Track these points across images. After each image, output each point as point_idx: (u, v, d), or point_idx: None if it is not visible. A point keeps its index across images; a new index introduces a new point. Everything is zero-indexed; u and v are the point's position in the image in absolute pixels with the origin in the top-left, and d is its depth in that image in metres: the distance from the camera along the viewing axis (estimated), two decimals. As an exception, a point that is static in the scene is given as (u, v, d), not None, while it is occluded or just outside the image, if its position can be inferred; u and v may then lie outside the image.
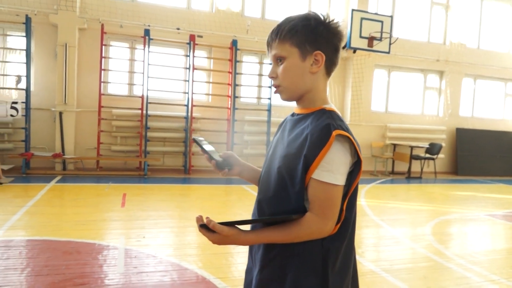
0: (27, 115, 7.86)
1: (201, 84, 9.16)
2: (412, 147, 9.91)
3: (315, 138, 1.10)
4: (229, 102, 9.08)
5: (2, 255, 3.53)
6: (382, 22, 9.33)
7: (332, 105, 1.23)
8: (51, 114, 8.17)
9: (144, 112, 8.43)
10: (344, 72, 10.17)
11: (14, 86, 7.93)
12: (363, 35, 9.26)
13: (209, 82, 9.18)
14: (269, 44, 1.24)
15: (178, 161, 9.01)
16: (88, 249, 3.80)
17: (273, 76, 1.23)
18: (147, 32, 8.32)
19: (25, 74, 7.82)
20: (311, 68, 1.18)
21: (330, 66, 1.21)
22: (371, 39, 9.32)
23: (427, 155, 10.42)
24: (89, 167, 8.35)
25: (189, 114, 8.68)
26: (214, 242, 1.11)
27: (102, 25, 8.13)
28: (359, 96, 10.01)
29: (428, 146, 10.32)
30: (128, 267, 3.42)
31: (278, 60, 1.21)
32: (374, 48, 9.42)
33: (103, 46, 8.18)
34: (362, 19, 9.21)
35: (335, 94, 10.17)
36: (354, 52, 9.67)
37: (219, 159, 1.32)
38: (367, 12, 9.52)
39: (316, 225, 1.10)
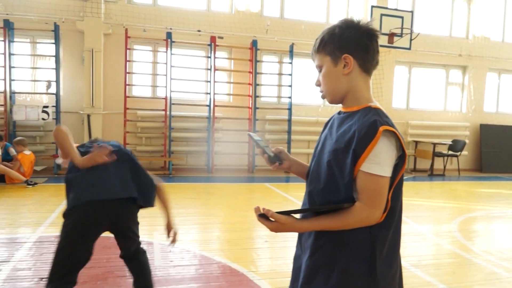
0: (57, 118, 8.17)
1: (222, 84, 9.32)
2: (434, 144, 9.85)
3: (363, 133, 1.19)
4: (250, 102, 9.22)
5: (48, 249, 3.74)
6: (402, 17, 9.31)
7: (377, 103, 1.33)
8: (79, 116, 8.47)
9: (168, 113, 8.64)
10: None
11: (45, 91, 8.25)
12: (383, 31, 9.25)
13: (230, 83, 9.34)
14: (313, 58, 1.40)
15: (201, 160, 9.20)
16: (124, 244, 3.98)
17: (317, 84, 1.38)
18: (169, 35, 8.53)
19: (54, 79, 8.13)
20: (343, 70, 1.30)
21: (364, 64, 1.30)
22: (391, 36, 9.30)
23: (450, 152, 10.33)
24: (116, 167, 8.59)
25: (211, 114, 8.85)
26: (272, 230, 1.22)
27: (126, 29, 8.38)
28: (380, 93, 9.99)
29: (451, 143, 10.24)
30: (165, 260, 3.58)
31: (319, 69, 1.37)
32: (395, 44, 9.39)
33: (127, 50, 8.43)
34: (382, 15, 9.21)
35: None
36: (374, 49, 9.65)
37: (271, 154, 1.45)
38: (386, 8, 9.51)
39: (364, 213, 1.21)
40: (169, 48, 8.57)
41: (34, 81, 8.36)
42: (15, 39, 8.04)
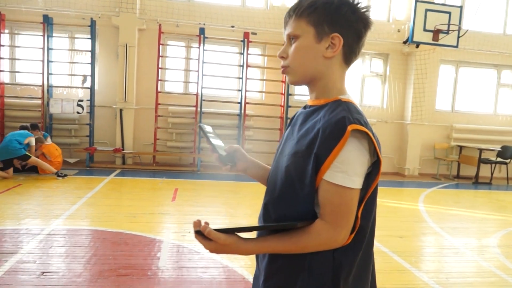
0: (91, 112, 8.33)
1: (254, 81, 9.13)
2: (481, 150, 9.13)
3: (328, 133, 0.95)
4: (283, 100, 8.97)
5: (58, 243, 3.73)
6: (449, 13, 8.68)
7: (350, 96, 1.08)
8: (112, 111, 8.59)
9: (199, 109, 8.58)
10: (405, 68, 9.61)
11: (80, 85, 8.44)
12: (427, 28, 8.69)
13: (262, 80, 9.12)
14: (286, 22, 1.11)
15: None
16: (135, 241, 3.90)
17: (283, 56, 1.09)
18: (202, 30, 8.45)
19: (89, 74, 8.28)
20: (326, 51, 1.04)
21: (349, 54, 1.06)
22: (436, 32, 8.71)
23: (499, 159, 9.53)
24: (146, 161, 8.67)
25: (242, 111, 8.69)
26: (210, 251, 1.00)
27: (160, 25, 8.39)
28: (422, 94, 9.40)
29: (500, 149, 9.44)
30: (170, 261, 3.44)
31: (292, 39, 1.08)
32: (440, 41, 8.79)
33: (161, 46, 8.44)
34: (426, 10, 8.64)
35: (395, 92, 9.65)
36: (417, 46, 9.09)
37: (222, 153, 1.21)
38: (433, 3, 8.91)
39: (326, 234, 0.96)
40: (201, 44, 8.49)
41: (71, 75, 8.57)
42: (53, 34, 8.27)
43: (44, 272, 3.06)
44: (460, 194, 7.92)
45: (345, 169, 0.95)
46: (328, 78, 1.07)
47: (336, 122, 0.96)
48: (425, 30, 8.67)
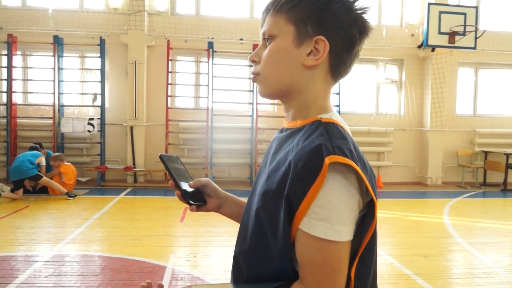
0: (102, 130, 8.26)
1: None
2: (508, 155, 8.62)
3: (300, 168, 0.71)
4: (296, 111, 8.71)
5: (54, 270, 3.54)
6: (465, 14, 8.32)
7: (334, 115, 0.83)
8: (123, 128, 8.51)
9: (210, 124, 8.41)
10: (422, 73, 9.24)
11: (91, 104, 8.40)
12: (442, 30, 8.34)
13: (274, 91, 8.90)
14: (263, 19, 0.87)
15: (244, 173, 8.83)
16: (136, 267, 3.68)
17: (254, 59, 0.86)
18: (210, 44, 8.33)
19: (100, 92, 8.24)
20: (307, 59, 0.80)
21: (337, 64, 0.82)
22: (452, 35, 8.35)
23: (527, 164, 8.99)
24: (157, 179, 8.52)
25: (254, 125, 8.48)
26: None
27: (168, 41, 8.31)
28: (441, 99, 9.00)
29: (528, 153, 8.91)
30: (171, 289, 3.20)
31: (267, 39, 0.84)
32: (457, 44, 8.42)
33: (169, 61, 8.35)
34: (440, 12, 8.30)
35: (412, 98, 9.27)
36: (433, 50, 8.74)
37: (187, 189, 0.97)
38: (446, 4, 8.57)
39: None
40: (210, 58, 8.36)
41: (81, 94, 8.55)
42: (64, 54, 8.29)
43: (35, 306, 2.87)
44: (488, 203, 7.45)
45: (327, 216, 0.70)
46: (308, 93, 0.83)
47: (310, 153, 0.71)
48: (440, 33, 8.32)
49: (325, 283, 0.71)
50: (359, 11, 0.81)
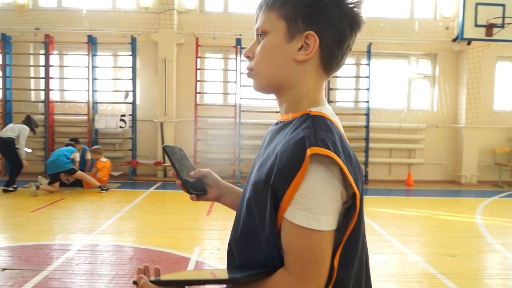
0: (133, 126, 8.51)
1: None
2: (549, 153, 8.20)
3: (285, 159, 0.74)
4: (324, 107, 8.63)
5: (85, 259, 3.71)
6: (504, 5, 7.94)
7: (324, 108, 0.84)
8: (153, 125, 8.72)
9: (237, 120, 8.48)
10: (456, 67, 8.92)
11: (123, 101, 8.66)
12: (479, 23, 8.00)
13: (302, 88, 8.87)
14: (256, 16, 0.90)
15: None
16: (162, 258, 3.79)
17: (248, 55, 0.89)
18: (238, 41, 8.39)
19: (131, 89, 8.49)
20: (297, 53, 0.82)
21: (328, 58, 0.83)
22: (489, 27, 8.00)
23: None
24: (187, 175, 8.67)
25: (282, 121, 8.47)
26: None
27: (197, 38, 8.43)
28: (477, 94, 8.65)
29: None
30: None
31: (260, 35, 0.87)
32: (494, 37, 8.06)
33: (198, 59, 8.47)
34: (477, 4, 7.97)
35: (445, 94, 8.97)
36: (469, 43, 8.41)
37: (188, 179, 1.00)
38: (484, -4, 8.23)
39: None
40: (238, 55, 8.42)
41: (114, 91, 8.83)
42: (97, 53, 8.59)
43: (65, 291, 3.01)
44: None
45: (309, 206, 0.72)
46: (299, 87, 0.84)
47: (294, 145, 0.74)
48: (476, 25, 7.99)
49: (307, 270, 0.72)
50: (350, 5, 0.81)
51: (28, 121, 6.94)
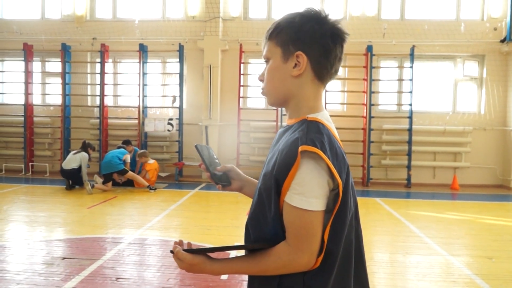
0: (180, 130, 8.96)
1: (335, 93, 8.98)
2: None
3: (284, 155, 0.96)
4: (365, 111, 8.65)
5: (135, 251, 4.07)
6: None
7: (320, 114, 1.04)
8: (199, 128, 9.14)
9: (279, 123, 8.69)
10: (505, 69, 8.59)
11: (171, 105, 9.15)
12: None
13: (343, 91, 8.93)
14: (263, 46, 1.14)
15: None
16: (204, 252, 4.06)
17: (261, 78, 1.12)
18: (280, 46, 8.59)
19: (178, 94, 8.95)
20: (293, 70, 1.04)
21: (319, 70, 1.04)
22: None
23: None
24: (229, 176, 8.99)
25: (323, 124, 8.58)
26: (182, 270, 1.05)
27: (241, 44, 8.75)
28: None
29: None
30: (233, 275, 3.51)
31: (266, 61, 1.11)
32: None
33: (242, 64, 8.79)
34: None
35: (493, 96, 8.66)
36: (518, 44, 8.11)
37: (216, 172, 1.24)
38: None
39: (287, 256, 0.95)
40: (280, 59, 8.63)
41: (163, 96, 9.35)
42: (148, 60, 9.15)
43: (118, 278, 3.36)
44: None
45: (302, 191, 0.93)
46: (299, 97, 1.06)
47: (291, 144, 0.95)
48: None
49: (302, 242, 0.94)
50: (330, 24, 1.02)
51: (85, 147, 7.58)
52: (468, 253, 4.16)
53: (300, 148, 0.92)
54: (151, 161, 7.92)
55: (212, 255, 1.05)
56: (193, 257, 1.01)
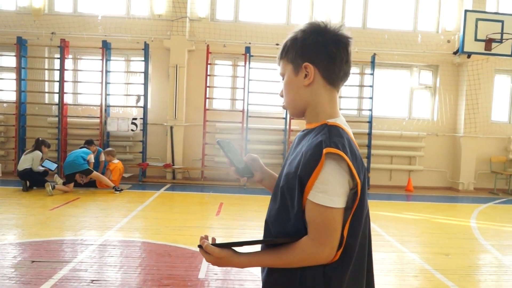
0: (144, 130, 8.83)
1: (299, 97, 9.22)
2: (544, 163, 8.51)
3: (308, 156, 1.06)
4: (328, 115, 8.95)
5: (108, 253, 4.01)
6: (502, 22, 8.29)
7: (338, 119, 1.16)
8: (163, 128, 9.05)
9: (245, 125, 8.80)
10: (456, 79, 9.25)
11: (135, 105, 8.99)
12: (479, 37, 8.35)
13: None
14: (278, 63, 1.25)
15: (277, 173, 9.13)
16: (178, 253, 4.10)
17: (281, 95, 1.24)
18: (247, 49, 8.73)
19: (143, 94, 8.82)
20: (303, 81, 1.15)
21: (328, 76, 1.15)
22: (489, 42, 8.34)
23: None
24: (194, 176, 9.00)
25: (287, 127, 8.80)
26: (211, 263, 1.12)
27: (208, 45, 8.77)
28: (476, 105, 8.98)
29: None
30: (209, 273, 3.58)
31: (282, 77, 1.22)
32: (493, 51, 8.40)
33: (208, 65, 8.81)
34: (477, 20, 8.32)
35: (446, 104, 9.29)
36: (469, 57, 8.74)
37: (239, 166, 1.31)
38: (484, 12, 8.57)
39: (310, 249, 1.05)
40: (247, 62, 8.76)
41: (126, 95, 9.16)
42: (111, 58, 8.93)
43: (93, 280, 3.32)
44: (520, 211, 7.42)
45: (325, 189, 1.03)
46: (315, 103, 1.16)
47: (315, 146, 1.05)
48: (476, 39, 8.34)
49: (324, 236, 1.04)
50: (331, 32, 1.13)
51: (38, 146, 7.30)
52: (427, 250, 4.49)
53: (324, 150, 1.02)
54: (116, 161, 7.76)
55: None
56: (221, 251, 1.08)
